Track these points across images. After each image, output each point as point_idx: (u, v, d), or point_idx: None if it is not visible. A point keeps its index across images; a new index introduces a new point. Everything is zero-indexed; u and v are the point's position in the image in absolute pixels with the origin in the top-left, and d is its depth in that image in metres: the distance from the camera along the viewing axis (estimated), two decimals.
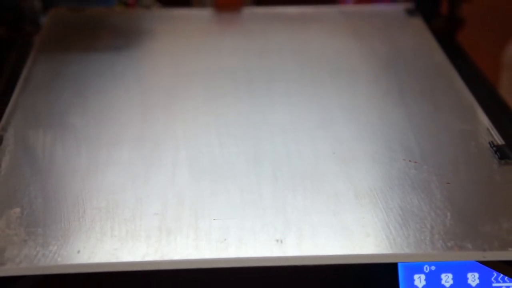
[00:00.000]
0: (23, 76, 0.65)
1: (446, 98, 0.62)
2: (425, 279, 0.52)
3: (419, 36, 0.73)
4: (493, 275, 0.52)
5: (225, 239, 0.46)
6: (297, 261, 0.45)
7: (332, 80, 0.65)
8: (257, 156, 0.54)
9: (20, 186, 0.51)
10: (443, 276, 0.52)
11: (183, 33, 0.74)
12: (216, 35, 0.74)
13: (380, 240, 0.46)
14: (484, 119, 0.59)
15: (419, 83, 0.64)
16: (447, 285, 0.52)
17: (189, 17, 0.78)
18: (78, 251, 0.45)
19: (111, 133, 0.57)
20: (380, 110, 0.61)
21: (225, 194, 0.50)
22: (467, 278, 0.52)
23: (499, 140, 0.56)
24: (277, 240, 0.46)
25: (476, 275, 0.52)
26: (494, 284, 0.52)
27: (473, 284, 0.52)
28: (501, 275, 0.51)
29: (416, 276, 0.52)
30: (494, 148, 0.55)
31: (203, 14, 0.78)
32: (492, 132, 0.57)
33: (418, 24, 0.76)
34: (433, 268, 0.52)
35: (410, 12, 0.78)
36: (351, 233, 0.47)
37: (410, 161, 0.54)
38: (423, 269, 0.52)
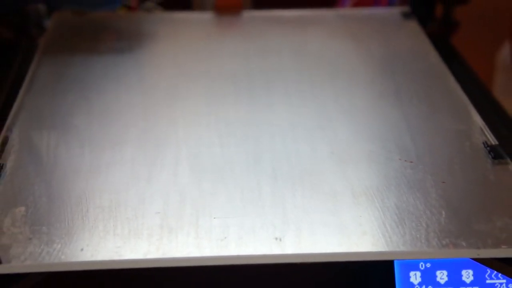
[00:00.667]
0: (28, 78, 0.65)
1: (441, 99, 0.62)
2: (421, 276, 0.52)
3: (414, 39, 0.73)
4: (486, 272, 0.52)
5: (225, 237, 0.46)
6: (296, 259, 0.45)
7: (330, 82, 0.65)
8: (257, 156, 0.54)
9: (25, 186, 0.51)
10: (438, 273, 0.52)
11: (184, 35, 0.74)
12: (216, 37, 0.74)
13: (377, 238, 0.46)
14: (478, 120, 0.59)
15: (415, 84, 0.64)
16: (442, 282, 0.52)
17: (190, 20, 0.78)
18: (82, 249, 0.45)
19: (114, 134, 0.57)
20: (377, 111, 0.61)
21: (225, 193, 0.50)
22: (462, 275, 0.52)
23: (493, 140, 0.55)
24: (276, 238, 0.46)
25: (470, 272, 0.52)
26: (488, 281, 0.52)
27: (467, 281, 0.52)
28: (495, 272, 0.50)
29: (412, 273, 0.52)
30: (488, 148, 0.55)
31: (203, 17, 0.78)
32: (486, 133, 0.57)
33: (413, 27, 0.76)
34: (428, 265, 0.52)
35: (406, 16, 0.78)
36: (348, 231, 0.46)
37: (406, 160, 0.54)
38: (418, 266, 0.52)
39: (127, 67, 0.68)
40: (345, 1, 0.90)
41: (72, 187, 0.51)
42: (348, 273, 0.54)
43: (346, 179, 0.51)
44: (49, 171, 0.52)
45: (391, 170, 0.53)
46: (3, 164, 0.53)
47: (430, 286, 0.52)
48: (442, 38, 0.78)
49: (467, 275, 0.52)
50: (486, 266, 0.47)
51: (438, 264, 0.52)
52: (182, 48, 0.72)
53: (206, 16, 0.78)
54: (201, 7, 0.90)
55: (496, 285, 0.52)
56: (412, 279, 0.52)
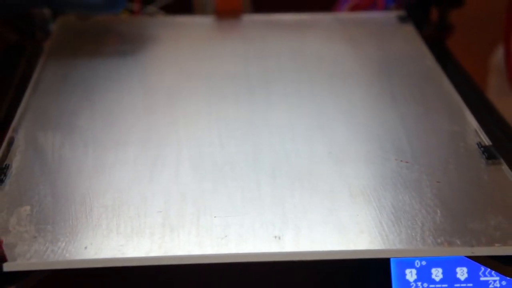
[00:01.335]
0: (33, 80, 0.65)
1: (436, 101, 0.62)
2: (416, 274, 0.52)
3: (410, 42, 0.73)
4: (480, 269, 0.52)
5: (226, 236, 0.46)
6: (294, 257, 0.45)
7: (328, 83, 0.65)
8: (256, 156, 0.54)
9: (30, 185, 0.51)
10: (433, 270, 0.52)
11: (186, 39, 0.74)
12: (217, 40, 0.74)
13: (374, 236, 0.46)
14: (472, 121, 0.59)
15: (411, 86, 0.64)
16: (437, 279, 0.52)
17: (191, 24, 0.78)
18: (85, 247, 0.45)
19: (117, 135, 0.57)
20: (374, 112, 0.61)
21: (225, 193, 0.50)
22: (456, 273, 0.52)
23: (487, 141, 0.55)
24: (276, 237, 0.46)
25: (465, 269, 0.52)
26: (482, 278, 0.52)
27: (462, 278, 0.52)
28: (488, 269, 0.50)
29: (407, 271, 0.52)
30: (482, 148, 0.55)
31: (204, 21, 0.78)
32: (480, 133, 0.57)
33: (409, 30, 0.76)
34: (424, 263, 0.52)
35: (402, 19, 0.78)
36: (346, 230, 0.46)
37: (402, 161, 0.53)
38: (414, 264, 0.52)
39: (129, 70, 0.67)
40: (343, 5, 0.90)
41: (76, 186, 0.51)
42: (346, 270, 0.54)
43: (343, 179, 0.51)
44: (54, 171, 0.52)
45: (387, 170, 0.53)
46: (9, 164, 0.53)
47: (425, 283, 0.52)
48: (437, 41, 0.78)
49: (462, 273, 0.52)
50: (480, 263, 0.47)
51: (433, 262, 0.52)
52: (183, 51, 0.72)
53: (207, 20, 0.78)
54: (202, 11, 0.89)
55: (489, 282, 0.52)
56: (408, 277, 0.52)
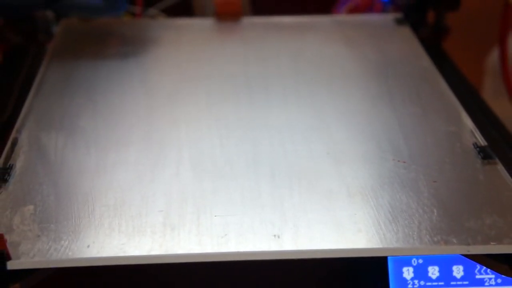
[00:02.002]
0: (37, 81, 0.65)
1: (432, 102, 0.62)
2: (413, 272, 0.52)
3: (407, 44, 0.73)
4: (476, 267, 0.52)
5: (226, 235, 0.46)
6: (293, 255, 0.45)
7: (326, 85, 0.65)
8: (256, 156, 0.54)
9: (33, 185, 0.51)
10: (430, 268, 0.52)
11: (186, 41, 0.74)
12: (217, 43, 0.74)
13: (371, 235, 0.46)
14: (468, 121, 0.58)
15: (407, 87, 0.64)
16: (434, 277, 0.52)
17: (191, 26, 0.78)
18: (88, 246, 0.45)
19: (119, 135, 0.57)
20: (371, 113, 0.60)
21: (225, 192, 0.50)
22: (452, 271, 0.52)
23: (482, 141, 0.55)
24: (275, 235, 0.46)
25: (461, 267, 0.52)
26: (477, 276, 0.52)
27: (458, 276, 0.52)
28: (484, 267, 0.50)
29: (404, 269, 0.52)
30: (478, 148, 0.55)
31: (205, 23, 0.78)
32: (476, 134, 0.56)
33: (406, 32, 0.76)
34: (420, 261, 0.52)
35: (399, 22, 0.78)
36: (344, 229, 0.46)
37: (399, 161, 0.53)
38: (411, 262, 0.52)
39: (131, 71, 0.67)
40: (341, 7, 0.90)
41: (79, 186, 0.51)
42: (344, 269, 0.54)
43: (341, 179, 0.51)
44: (57, 171, 0.52)
45: (385, 170, 0.52)
46: (12, 165, 0.53)
47: (422, 281, 0.52)
48: (433, 43, 0.78)
49: (458, 271, 0.52)
50: (476, 262, 0.46)
51: (430, 260, 0.52)
52: (184, 53, 0.71)
53: (207, 22, 0.78)
54: (203, 14, 0.90)
55: (485, 280, 0.52)
56: (405, 275, 0.52)
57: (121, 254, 0.44)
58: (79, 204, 0.49)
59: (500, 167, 0.53)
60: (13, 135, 0.56)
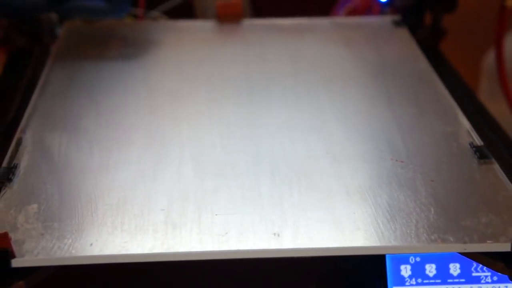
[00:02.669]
0: (41, 82, 0.65)
1: (429, 102, 0.62)
2: (411, 269, 0.52)
3: (404, 45, 0.73)
4: (473, 265, 0.52)
5: (226, 233, 0.46)
6: (293, 253, 0.45)
7: (325, 85, 0.65)
8: (256, 156, 0.54)
9: (37, 184, 0.51)
10: (427, 266, 0.52)
11: (188, 42, 0.74)
12: (218, 44, 0.74)
13: (370, 233, 0.46)
14: (464, 122, 0.58)
15: (405, 88, 0.64)
16: (431, 274, 0.52)
17: (193, 28, 0.78)
18: (91, 244, 0.45)
19: (121, 135, 0.57)
20: (369, 113, 0.60)
21: (226, 191, 0.50)
22: (449, 268, 0.52)
23: (479, 141, 0.55)
24: (275, 234, 0.46)
25: (458, 265, 0.52)
26: (474, 274, 0.52)
27: (455, 273, 0.52)
28: (480, 265, 0.50)
29: (402, 267, 0.52)
30: (474, 148, 0.55)
31: (206, 25, 0.78)
32: (472, 134, 0.56)
33: (404, 34, 0.76)
34: (418, 259, 0.52)
35: (397, 23, 0.78)
36: (342, 227, 0.46)
37: (397, 160, 0.53)
38: (409, 260, 0.52)
39: (133, 72, 0.67)
40: (340, 10, 0.90)
41: (82, 185, 0.51)
42: (343, 266, 0.54)
43: (340, 178, 0.51)
44: (60, 171, 0.52)
45: (383, 169, 0.52)
46: (17, 164, 0.53)
47: (419, 279, 0.52)
48: (430, 44, 0.78)
49: (455, 268, 0.52)
50: (472, 259, 0.46)
51: (427, 258, 0.52)
52: (185, 54, 0.71)
53: (208, 24, 0.78)
54: (204, 16, 0.90)
55: (481, 277, 0.52)
56: (403, 272, 0.52)
57: (124, 252, 0.44)
58: (82, 203, 0.49)
59: (496, 166, 0.53)
60: (17, 135, 0.56)
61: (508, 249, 0.44)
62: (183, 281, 0.54)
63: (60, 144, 0.56)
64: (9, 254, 0.43)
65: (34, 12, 0.74)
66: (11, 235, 0.45)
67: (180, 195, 0.50)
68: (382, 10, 0.85)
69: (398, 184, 0.51)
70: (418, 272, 0.52)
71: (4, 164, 0.53)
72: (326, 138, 0.56)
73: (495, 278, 0.51)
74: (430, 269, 0.52)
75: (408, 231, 0.46)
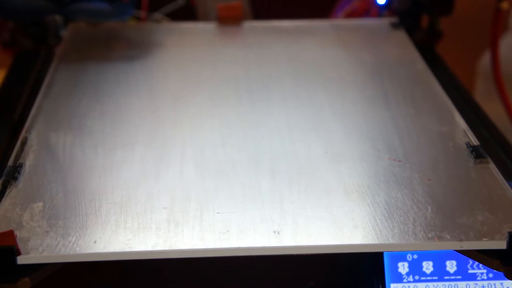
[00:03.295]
0: (46, 83, 0.65)
1: (426, 103, 0.62)
2: (408, 267, 0.52)
3: (402, 47, 0.73)
4: (469, 262, 0.52)
5: (228, 231, 0.46)
6: (292, 251, 0.45)
7: (324, 86, 0.65)
8: (256, 155, 0.54)
9: (42, 183, 0.50)
10: (424, 263, 0.52)
11: (190, 44, 0.74)
12: (219, 46, 0.74)
13: (368, 231, 0.46)
14: (461, 122, 0.58)
15: (402, 89, 0.64)
16: (428, 272, 0.52)
17: (195, 30, 0.77)
18: (95, 241, 0.45)
19: (125, 135, 0.57)
20: (367, 113, 0.60)
21: (227, 190, 0.50)
22: (446, 266, 0.52)
23: (474, 141, 0.55)
24: (275, 232, 0.46)
25: (454, 262, 0.52)
26: (470, 271, 0.52)
27: (451, 271, 0.52)
28: (476, 262, 0.50)
29: (400, 264, 0.52)
30: (470, 148, 0.55)
31: (207, 27, 0.78)
32: (468, 134, 0.56)
33: (401, 36, 0.76)
34: (415, 256, 0.52)
35: (394, 26, 0.78)
36: (341, 225, 0.46)
37: (394, 160, 0.53)
38: (406, 258, 0.52)
39: (136, 73, 0.67)
40: (338, 12, 0.90)
41: (86, 184, 0.51)
42: (341, 263, 0.54)
43: (339, 177, 0.51)
44: (65, 170, 0.52)
45: (380, 168, 0.52)
46: (22, 163, 0.52)
47: (417, 276, 0.52)
48: (427, 46, 0.78)
49: (451, 266, 0.52)
50: (469, 257, 0.46)
51: (424, 256, 0.52)
52: (187, 56, 0.71)
53: (209, 26, 0.78)
54: (205, 18, 0.89)
55: (477, 274, 0.52)
56: (400, 269, 0.52)
57: (127, 249, 0.44)
58: (87, 201, 0.49)
59: (492, 165, 0.53)
60: (23, 134, 0.56)
61: (504, 247, 0.44)
62: (185, 278, 0.54)
63: (64, 144, 0.55)
64: (15, 251, 0.43)
65: (40, 14, 0.74)
66: (17, 232, 0.45)
67: (182, 193, 0.49)
68: (380, 12, 0.85)
69: (396, 183, 0.51)
70: (415, 269, 0.52)
71: (10, 163, 0.52)
72: (325, 138, 0.56)
73: (490, 275, 0.51)
74: (427, 266, 0.52)
75: (405, 229, 0.46)
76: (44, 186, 0.50)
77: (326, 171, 0.52)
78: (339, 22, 0.83)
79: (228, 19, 0.78)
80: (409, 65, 0.69)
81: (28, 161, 0.53)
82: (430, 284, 0.51)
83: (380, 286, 0.52)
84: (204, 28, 0.78)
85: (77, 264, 0.44)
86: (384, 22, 0.79)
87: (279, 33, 0.76)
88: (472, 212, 0.47)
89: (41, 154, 0.54)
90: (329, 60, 0.71)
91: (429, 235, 0.45)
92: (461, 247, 0.45)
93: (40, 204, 0.48)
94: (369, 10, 0.87)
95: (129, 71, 0.68)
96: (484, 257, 0.45)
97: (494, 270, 0.46)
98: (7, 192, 0.49)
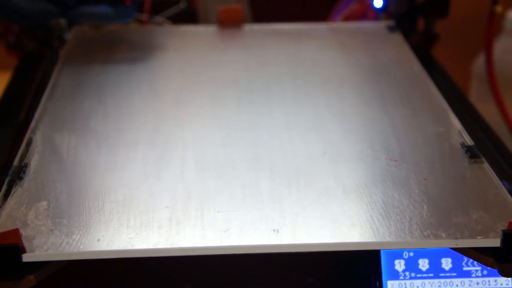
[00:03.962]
0: (50, 85, 0.65)
1: (422, 104, 0.62)
2: (405, 264, 0.52)
3: (398, 50, 0.73)
4: (464, 260, 0.52)
5: (228, 229, 0.46)
6: (291, 249, 0.45)
7: (322, 88, 0.65)
8: (256, 155, 0.54)
9: (47, 182, 0.50)
10: (420, 261, 0.52)
11: (191, 47, 0.74)
12: (220, 48, 0.74)
13: (365, 229, 0.46)
14: (456, 122, 0.58)
15: (399, 90, 0.64)
16: (424, 269, 0.52)
17: (196, 33, 0.77)
18: (98, 240, 0.45)
19: (127, 136, 0.57)
20: (365, 115, 0.60)
21: (228, 189, 0.50)
22: (441, 263, 0.52)
23: (469, 141, 0.55)
24: (274, 230, 0.46)
25: (449, 260, 0.52)
26: (465, 268, 0.52)
27: (447, 268, 0.52)
28: (471, 260, 0.50)
29: (396, 261, 0.52)
30: (465, 148, 0.55)
31: (208, 30, 0.78)
32: (463, 134, 0.56)
33: (397, 39, 0.76)
34: (411, 254, 0.52)
35: (391, 29, 0.78)
36: (339, 224, 0.46)
37: (391, 159, 0.53)
38: (402, 255, 0.52)
39: (139, 75, 0.67)
40: (336, 15, 0.90)
41: (90, 183, 0.51)
42: (339, 261, 0.54)
43: (337, 177, 0.51)
44: (69, 169, 0.52)
45: (378, 168, 0.52)
46: (27, 163, 0.53)
47: (413, 273, 0.52)
48: (423, 49, 0.78)
49: (446, 263, 0.52)
50: (464, 254, 0.46)
51: (420, 253, 0.52)
52: (188, 58, 0.71)
53: (210, 29, 0.78)
54: (206, 21, 0.89)
55: (472, 271, 0.52)
56: (397, 267, 0.52)
57: (129, 247, 0.44)
58: (90, 200, 0.49)
59: (486, 165, 0.53)
60: (28, 135, 0.56)
61: (498, 245, 0.44)
62: (186, 275, 0.54)
63: (68, 144, 0.55)
64: (20, 249, 0.43)
65: (45, 18, 0.74)
66: (22, 231, 0.45)
67: (183, 193, 0.49)
68: (377, 16, 0.85)
69: (392, 183, 0.51)
70: (411, 266, 0.52)
71: (15, 163, 0.52)
72: (324, 139, 0.56)
73: (485, 272, 0.51)
74: (423, 264, 0.52)
75: (402, 227, 0.46)
76: (48, 185, 0.50)
77: (325, 171, 0.52)
78: (337, 25, 0.83)
79: (229, 22, 0.78)
80: (405, 67, 0.69)
81: (33, 161, 0.53)
82: (426, 281, 0.52)
83: (377, 283, 0.52)
84: (205, 31, 0.78)
85: (81, 261, 0.44)
86: (381, 25, 0.79)
87: (279, 35, 0.76)
88: (467, 211, 0.47)
89: (45, 154, 0.54)
90: (328, 62, 0.71)
91: (425, 233, 0.45)
92: (456, 245, 0.45)
93: (45, 203, 0.48)
94: (366, 13, 0.87)
95: (132, 73, 0.68)
96: (479, 254, 0.45)
97: (489, 267, 0.46)
98: (12, 192, 0.49)
